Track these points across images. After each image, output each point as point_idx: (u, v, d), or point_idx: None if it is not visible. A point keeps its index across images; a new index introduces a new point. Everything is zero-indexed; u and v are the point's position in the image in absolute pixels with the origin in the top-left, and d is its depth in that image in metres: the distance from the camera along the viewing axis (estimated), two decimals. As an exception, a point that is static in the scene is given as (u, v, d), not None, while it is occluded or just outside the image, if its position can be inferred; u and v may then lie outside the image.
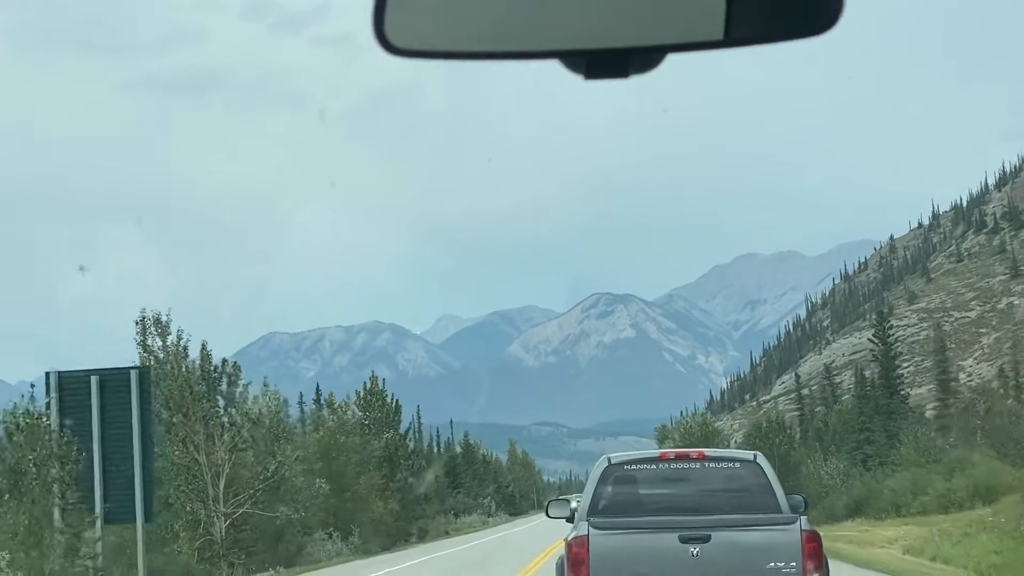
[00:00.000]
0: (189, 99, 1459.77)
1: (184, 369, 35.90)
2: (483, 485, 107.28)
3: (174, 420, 34.58)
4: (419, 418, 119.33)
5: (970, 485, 48.84)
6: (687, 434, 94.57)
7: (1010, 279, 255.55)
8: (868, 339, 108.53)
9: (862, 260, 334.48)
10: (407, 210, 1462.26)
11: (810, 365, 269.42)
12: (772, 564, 11.43)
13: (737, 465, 12.76)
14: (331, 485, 51.47)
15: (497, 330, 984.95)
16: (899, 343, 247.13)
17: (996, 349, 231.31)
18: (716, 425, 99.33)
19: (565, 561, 11.98)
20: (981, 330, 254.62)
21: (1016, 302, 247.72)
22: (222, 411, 36.33)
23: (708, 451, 13.38)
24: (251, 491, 35.51)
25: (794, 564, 11.43)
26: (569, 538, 12.00)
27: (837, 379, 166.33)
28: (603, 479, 12.65)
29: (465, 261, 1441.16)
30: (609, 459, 13.02)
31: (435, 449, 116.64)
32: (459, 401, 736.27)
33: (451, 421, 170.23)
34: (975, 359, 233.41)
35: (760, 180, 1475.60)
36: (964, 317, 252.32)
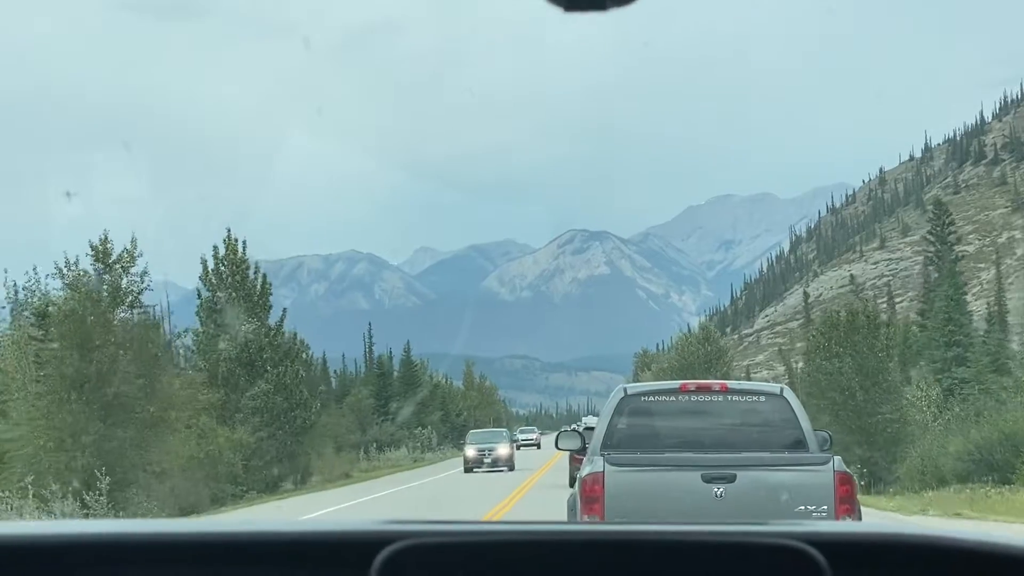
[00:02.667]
0: (173, 23, 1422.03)
1: None
2: (426, 412, 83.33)
3: None
4: (370, 338, 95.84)
5: None
6: (685, 352, 70.97)
7: (1011, 212, 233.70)
8: (923, 237, 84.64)
9: (849, 193, 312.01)
10: (387, 143, 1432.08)
11: (796, 298, 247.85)
12: (802, 507, 10.34)
13: (762, 399, 11.56)
14: (84, 399, 27.49)
15: (473, 263, 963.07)
16: (894, 276, 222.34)
17: (996, 285, 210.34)
18: (721, 343, 75.69)
19: (578, 498, 10.95)
20: (980, 265, 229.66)
21: (1018, 236, 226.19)
22: None
23: (731, 383, 12.16)
24: None
25: (825, 508, 10.34)
26: (583, 474, 10.97)
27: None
28: (618, 411, 11.49)
29: (444, 194, 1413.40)
30: (625, 389, 11.93)
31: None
32: (433, 332, 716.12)
33: (407, 342, 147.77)
34: (974, 295, 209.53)
35: (737, 122, 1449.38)
36: (962, 251, 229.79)
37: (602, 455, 10.85)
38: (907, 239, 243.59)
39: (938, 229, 70.69)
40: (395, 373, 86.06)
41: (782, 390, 11.82)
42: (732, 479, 10.45)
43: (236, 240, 41.99)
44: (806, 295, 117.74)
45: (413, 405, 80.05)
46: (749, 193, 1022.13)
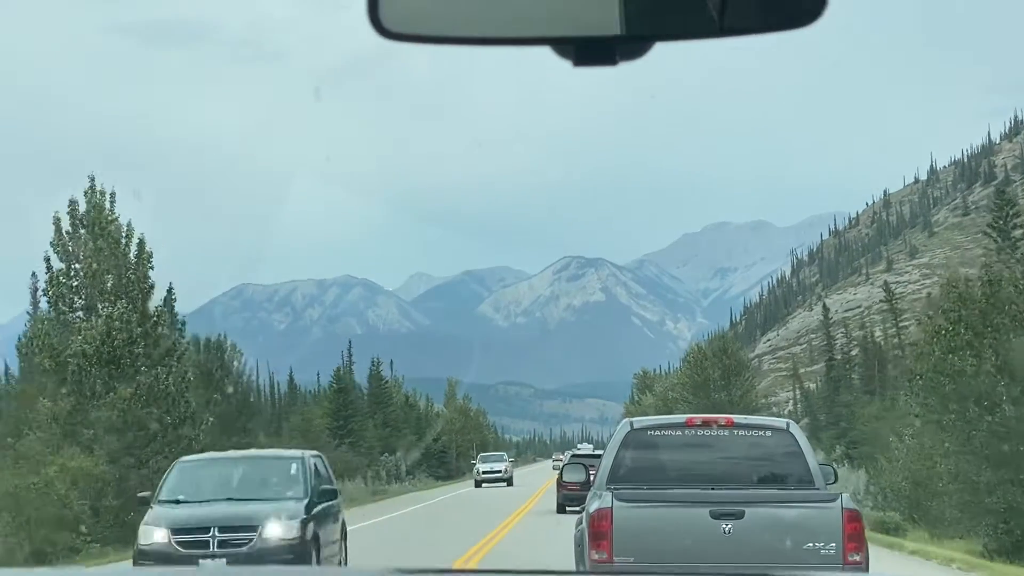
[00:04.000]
0: (169, 50, 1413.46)
1: None
2: (397, 435, 71.35)
3: None
4: (351, 356, 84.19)
5: None
6: (698, 366, 59.13)
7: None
8: (983, 231, 73.11)
9: (852, 216, 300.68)
10: (383, 169, 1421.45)
11: (799, 322, 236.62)
12: (810, 544, 10.28)
13: (768, 434, 11.48)
14: None
15: (468, 290, 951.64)
16: (901, 299, 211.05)
17: None
18: (741, 355, 63.83)
19: (586, 533, 10.78)
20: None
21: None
22: None
23: (737, 418, 11.93)
24: None
25: (834, 545, 10.27)
26: (591, 509, 10.78)
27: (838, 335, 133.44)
28: (624, 444, 11.39)
29: (439, 221, 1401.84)
30: (631, 423, 11.79)
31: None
32: (427, 358, 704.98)
33: (391, 362, 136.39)
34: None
35: (734, 150, 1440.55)
36: (974, 274, 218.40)
37: (610, 490, 10.77)
38: (915, 261, 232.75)
39: (1000, 221, 59.06)
40: (364, 390, 74.07)
41: (788, 425, 11.70)
42: (741, 516, 10.30)
43: (103, 192, 30.01)
44: (826, 309, 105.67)
45: (422, 444, 67.96)
46: (745, 221, 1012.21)
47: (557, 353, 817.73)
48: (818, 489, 10.91)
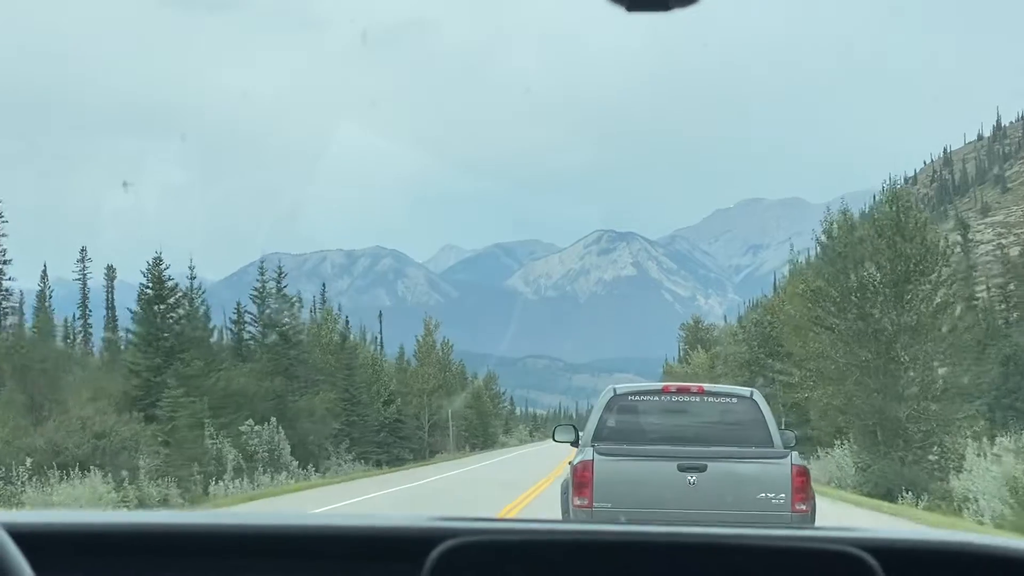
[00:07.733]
0: (205, 16, 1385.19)
1: None
2: (302, 393, 41.45)
3: None
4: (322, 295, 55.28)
5: None
6: (846, 258, 28.68)
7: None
8: None
9: (908, 175, 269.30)
10: (416, 140, 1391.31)
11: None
12: (763, 494, 11.40)
13: (734, 400, 12.71)
14: None
15: (498, 262, 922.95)
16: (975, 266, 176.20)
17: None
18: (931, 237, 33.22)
19: (570, 482, 11.94)
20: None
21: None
22: None
23: (707, 386, 13.19)
24: None
25: (783, 495, 11.41)
26: (575, 461, 11.99)
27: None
28: (608, 407, 12.65)
29: (471, 193, 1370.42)
30: (614, 389, 13.01)
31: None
32: (455, 331, 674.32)
33: (380, 313, 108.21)
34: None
35: (769, 126, 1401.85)
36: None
37: (592, 446, 11.90)
38: (988, 219, 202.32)
39: None
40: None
41: (752, 393, 12.74)
42: (703, 469, 11.46)
43: None
44: (966, 226, 75.09)
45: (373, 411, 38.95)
46: (779, 197, 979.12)
47: (587, 327, 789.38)
48: (774, 448, 11.97)
